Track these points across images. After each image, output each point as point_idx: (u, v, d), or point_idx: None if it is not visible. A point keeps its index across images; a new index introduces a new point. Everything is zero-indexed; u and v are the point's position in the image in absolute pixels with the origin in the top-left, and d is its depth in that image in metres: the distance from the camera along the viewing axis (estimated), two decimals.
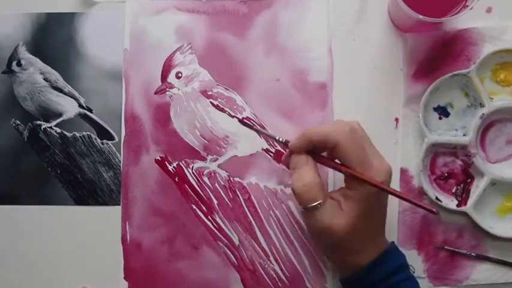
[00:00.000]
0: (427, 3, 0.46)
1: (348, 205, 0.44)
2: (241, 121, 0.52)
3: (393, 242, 0.47)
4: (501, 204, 0.51)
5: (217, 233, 0.53)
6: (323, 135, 0.44)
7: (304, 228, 0.52)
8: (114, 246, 0.53)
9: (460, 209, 0.50)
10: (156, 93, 0.54)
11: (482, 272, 0.51)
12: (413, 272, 0.51)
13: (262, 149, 0.53)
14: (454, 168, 0.52)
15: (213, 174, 0.53)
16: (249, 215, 0.53)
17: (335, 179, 0.52)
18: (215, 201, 0.53)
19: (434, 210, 0.41)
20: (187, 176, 0.53)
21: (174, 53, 0.54)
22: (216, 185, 0.53)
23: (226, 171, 0.53)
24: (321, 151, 0.46)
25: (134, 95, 0.54)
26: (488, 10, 0.52)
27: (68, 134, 0.55)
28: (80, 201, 0.54)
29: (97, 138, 0.54)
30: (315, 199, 0.43)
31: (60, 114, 0.55)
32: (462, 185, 0.51)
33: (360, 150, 0.44)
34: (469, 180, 0.51)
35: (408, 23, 0.50)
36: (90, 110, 0.55)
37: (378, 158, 0.44)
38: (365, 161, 0.43)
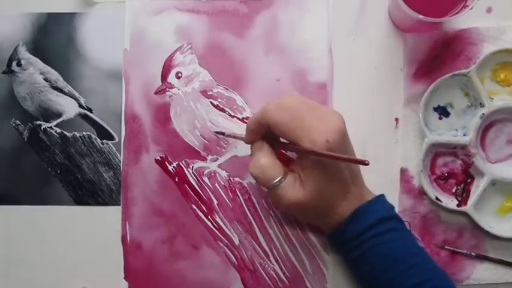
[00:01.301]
0: (427, 3, 0.46)
1: (305, 174, 0.45)
2: (218, 133, 0.53)
3: (381, 194, 0.47)
4: (501, 204, 0.51)
5: (217, 233, 0.53)
6: (257, 121, 0.46)
7: (304, 229, 0.52)
8: (114, 246, 0.53)
9: (460, 209, 0.50)
10: (156, 93, 0.54)
11: (482, 271, 0.51)
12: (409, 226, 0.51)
13: None
14: (454, 168, 0.52)
15: (213, 174, 0.53)
16: (249, 215, 0.53)
17: None
18: (215, 201, 0.53)
19: (366, 162, 0.40)
20: (187, 176, 0.53)
21: (174, 53, 0.54)
22: (216, 185, 0.53)
23: (226, 171, 0.53)
24: (272, 135, 0.47)
25: (134, 95, 0.54)
26: (488, 10, 0.52)
27: (68, 134, 0.55)
28: (80, 201, 0.54)
29: (97, 138, 0.54)
30: (273, 177, 0.45)
31: (60, 114, 0.55)
32: (462, 185, 0.51)
33: (293, 118, 0.44)
34: (469, 180, 0.51)
35: (408, 23, 0.50)
36: (90, 110, 0.55)
37: (321, 119, 0.44)
38: (303, 127, 0.43)
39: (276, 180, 0.45)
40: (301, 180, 0.45)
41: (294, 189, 0.45)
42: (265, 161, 0.46)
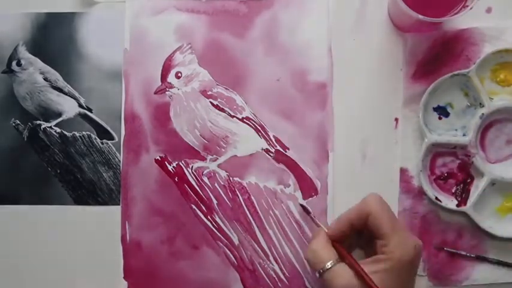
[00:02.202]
0: (427, 3, 0.46)
1: (376, 277, 0.43)
2: (304, 209, 0.52)
3: None
4: (501, 204, 0.51)
5: (217, 232, 0.53)
6: (358, 210, 0.46)
7: (303, 228, 0.52)
8: (113, 246, 0.53)
9: (459, 209, 0.50)
10: (155, 93, 0.54)
11: (482, 272, 0.51)
12: None
13: (262, 149, 0.53)
14: (453, 168, 0.52)
15: (212, 174, 0.53)
16: (248, 214, 0.53)
17: (334, 179, 0.52)
18: (215, 201, 0.53)
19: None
20: (187, 175, 0.53)
21: (173, 52, 0.54)
22: (216, 184, 0.53)
23: (226, 171, 0.53)
24: (358, 229, 0.47)
25: (134, 94, 0.54)
26: (488, 10, 0.52)
27: (68, 134, 0.55)
28: (79, 201, 0.54)
29: (97, 138, 0.54)
30: (324, 260, 0.45)
31: (60, 114, 0.55)
32: (462, 185, 0.51)
33: (391, 215, 0.46)
34: (468, 180, 0.51)
35: (408, 23, 0.50)
36: (90, 110, 0.55)
37: (404, 231, 0.46)
38: (395, 226, 0.45)
39: (328, 263, 0.45)
40: (352, 275, 0.44)
41: (346, 274, 0.44)
42: (318, 244, 0.46)
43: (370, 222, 0.45)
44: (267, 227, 0.53)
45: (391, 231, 0.44)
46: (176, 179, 0.53)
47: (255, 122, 0.53)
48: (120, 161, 0.54)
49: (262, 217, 0.53)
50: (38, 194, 0.54)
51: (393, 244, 0.44)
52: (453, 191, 0.51)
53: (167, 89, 0.54)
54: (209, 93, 0.53)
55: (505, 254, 0.51)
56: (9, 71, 0.55)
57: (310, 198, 0.52)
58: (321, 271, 0.45)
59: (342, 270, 0.44)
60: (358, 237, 0.49)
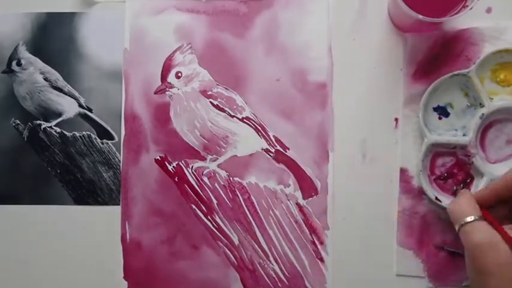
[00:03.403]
0: (426, 3, 0.46)
1: None
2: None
3: None
4: None
5: (217, 232, 0.53)
6: (504, 179, 0.44)
7: (303, 228, 0.52)
8: (113, 246, 0.53)
9: None
10: (156, 93, 0.54)
11: None
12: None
13: (262, 149, 0.53)
14: (453, 168, 0.52)
15: (212, 174, 0.53)
16: (248, 214, 0.53)
17: (334, 176, 0.52)
18: (215, 201, 0.53)
19: None
20: (187, 175, 0.53)
21: (173, 52, 0.54)
22: (216, 184, 0.53)
23: (226, 171, 0.53)
24: (503, 200, 0.45)
25: (134, 94, 0.54)
26: (488, 10, 0.52)
27: (68, 134, 0.55)
28: (79, 200, 0.54)
29: (97, 138, 0.54)
30: (467, 214, 0.43)
31: (60, 114, 0.55)
32: (462, 185, 0.51)
33: None
34: (468, 180, 0.51)
35: (408, 22, 0.50)
36: (90, 110, 0.55)
37: None
38: None
39: (470, 217, 0.43)
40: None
41: (487, 230, 0.42)
42: (463, 199, 0.45)
43: None
44: (267, 227, 0.53)
45: None
46: (176, 179, 0.53)
47: (255, 122, 0.53)
48: (120, 161, 0.54)
49: (262, 217, 0.53)
50: (37, 193, 0.55)
51: None
52: (453, 191, 0.51)
53: (167, 89, 0.54)
54: (209, 93, 0.53)
55: None
56: (9, 71, 0.55)
57: (310, 198, 0.52)
58: (462, 223, 0.43)
59: (482, 226, 0.42)
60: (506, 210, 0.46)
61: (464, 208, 0.44)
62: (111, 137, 0.54)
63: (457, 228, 0.44)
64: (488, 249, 0.41)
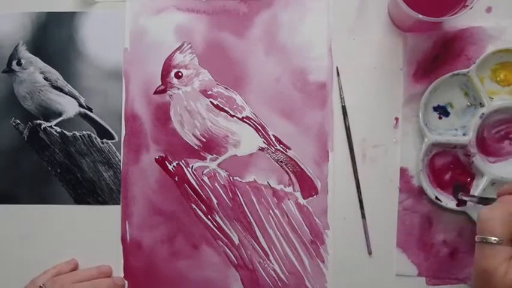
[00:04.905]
0: (427, 3, 0.46)
1: None
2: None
3: None
4: None
5: (217, 232, 0.53)
6: None
7: (303, 228, 0.52)
8: (114, 245, 0.53)
9: (459, 208, 0.50)
10: (156, 93, 0.54)
11: None
12: None
13: (262, 149, 0.53)
14: (453, 167, 0.52)
15: (212, 173, 0.53)
16: (248, 214, 0.53)
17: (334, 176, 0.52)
18: (215, 201, 0.53)
19: None
20: (187, 175, 0.53)
21: (174, 52, 0.54)
22: (216, 184, 0.53)
23: (226, 171, 0.53)
24: None
25: (134, 94, 0.54)
26: (488, 10, 0.52)
27: (68, 133, 0.55)
28: (79, 200, 0.54)
29: (97, 137, 0.54)
30: (494, 232, 0.40)
31: (60, 114, 0.55)
32: (462, 185, 0.51)
33: None
34: (468, 179, 0.51)
35: (408, 22, 0.50)
36: (90, 110, 0.55)
37: None
38: None
39: (495, 238, 0.40)
40: None
41: (499, 257, 0.39)
42: (501, 213, 0.40)
43: None
44: (267, 226, 0.53)
45: None
46: (176, 179, 0.53)
47: (255, 121, 0.53)
48: (120, 160, 0.54)
49: (262, 216, 0.53)
50: (38, 193, 0.55)
51: None
52: (453, 191, 0.51)
53: (167, 89, 0.54)
54: (209, 92, 0.53)
55: None
56: (9, 70, 0.55)
57: (310, 198, 0.52)
58: (484, 240, 0.40)
59: (501, 253, 0.39)
60: None
61: (494, 224, 0.40)
62: (111, 137, 0.54)
63: (477, 238, 0.42)
64: (493, 277, 0.39)
